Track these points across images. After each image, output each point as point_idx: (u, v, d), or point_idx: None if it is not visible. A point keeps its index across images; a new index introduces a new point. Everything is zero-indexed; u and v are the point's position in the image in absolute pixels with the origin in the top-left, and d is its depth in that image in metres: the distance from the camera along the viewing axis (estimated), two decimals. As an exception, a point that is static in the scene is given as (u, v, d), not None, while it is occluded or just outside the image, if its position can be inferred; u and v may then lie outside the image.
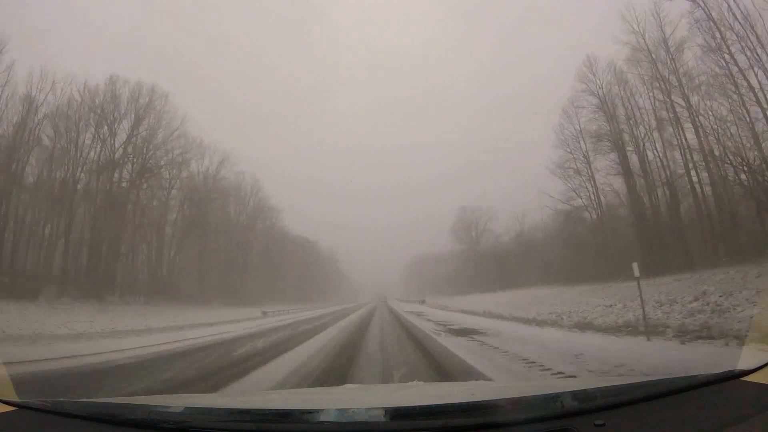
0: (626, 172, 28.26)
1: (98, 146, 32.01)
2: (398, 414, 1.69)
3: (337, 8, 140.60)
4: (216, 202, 45.38)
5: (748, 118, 20.21)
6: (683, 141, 24.67)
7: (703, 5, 21.29)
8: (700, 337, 8.21)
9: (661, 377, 1.87)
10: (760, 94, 19.54)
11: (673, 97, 24.55)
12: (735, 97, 20.71)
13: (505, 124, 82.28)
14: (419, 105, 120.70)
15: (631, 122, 28.16)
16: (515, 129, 74.29)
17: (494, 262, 50.43)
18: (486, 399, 1.86)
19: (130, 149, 33.68)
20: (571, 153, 32.47)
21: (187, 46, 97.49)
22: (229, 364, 8.94)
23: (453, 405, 1.76)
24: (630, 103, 28.28)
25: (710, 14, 21.10)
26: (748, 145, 20.25)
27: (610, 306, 15.23)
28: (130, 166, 34.14)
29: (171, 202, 39.42)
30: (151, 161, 35.13)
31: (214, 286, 43.09)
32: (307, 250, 69.99)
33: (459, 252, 63.57)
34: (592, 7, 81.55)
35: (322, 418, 1.74)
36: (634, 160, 28.21)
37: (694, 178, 24.34)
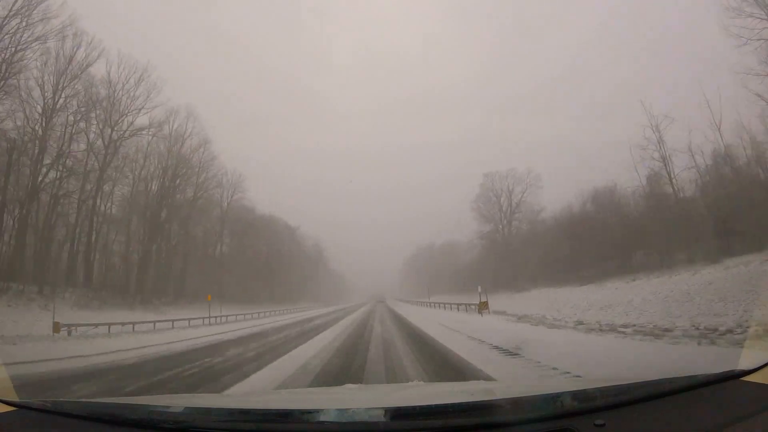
0: None
1: None
2: (398, 414, 1.69)
3: (337, 8, 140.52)
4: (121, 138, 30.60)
5: None
6: None
7: None
8: None
9: (662, 377, 1.87)
10: None
11: None
12: None
13: (505, 123, 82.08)
14: (419, 105, 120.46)
15: None
16: (516, 127, 73.66)
17: (563, 242, 32.75)
18: (486, 399, 1.86)
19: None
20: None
21: (186, 47, 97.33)
22: None
23: (453, 405, 1.76)
24: None
25: None
26: None
27: None
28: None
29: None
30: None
31: (99, 275, 30.13)
32: (283, 237, 56.59)
33: (483, 235, 47.40)
34: (592, 7, 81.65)
35: (322, 418, 1.75)
36: None
37: None
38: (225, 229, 46.13)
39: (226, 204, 45.47)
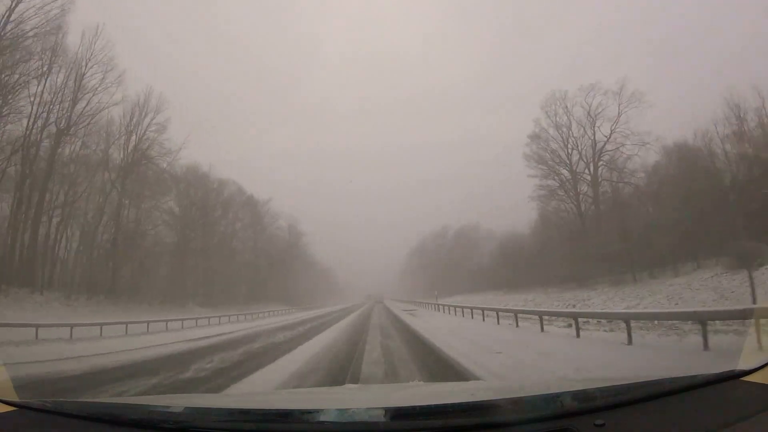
0: None
1: None
2: (398, 414, 1.69)
3: (336, 9, 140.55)
4: None
5: None
6: None
7: None
8: None
9: (662, 377, 1.87)
10: None
11: None
12: None
13: (505, 123, 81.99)
14: (419, 105, 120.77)
15: None
16: (516, 127, 73.12)
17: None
18: (486, 399, 1.87)
19: None
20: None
21: (186, 48, 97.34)
22: None
23: (453, 405, 1.76)
24: None
25: None
26: None
27: None
28: None
29: None
30: None
31: None
32: (236, 210, 40.59)
33: (548, 194, 30.89)
34: (591, 7, 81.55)
35: (323, 418, 1.75)
36: None
37: None
38: (127, 181, 28.83)
39: (132, 140, 29.07)
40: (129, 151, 29.99)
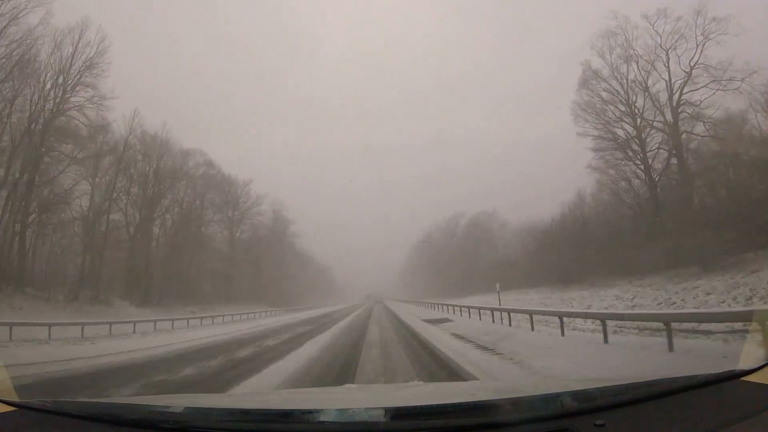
0: None
1: None
2: (398, 414, 1.69)
3: (336, 9, 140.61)
4: None
5: None
6: None
7: None
8: None
9: (661, 377, 1.87)
10: None
11: None
12: None
13: (505, 122, 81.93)
14: (419, 105, 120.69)
15: None
16: (516, 127, 73.12)
17: None
18: (486, 399, 1.87)
19: None
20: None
21: (187, 48, 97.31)
22: None
23: (453, 405, 1.76)
24: None
25: None
26: None
27: None
28: None
29: None
30: None
31: None
32: (199, 185, 33.84)
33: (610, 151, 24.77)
34: (592, 7, 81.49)
35: (323, 418, 1.75)
36: None
37: None
38: (46, 134, 22.72)
39: (56, 80, 22.68)
40: (49, 94, 23.19)
